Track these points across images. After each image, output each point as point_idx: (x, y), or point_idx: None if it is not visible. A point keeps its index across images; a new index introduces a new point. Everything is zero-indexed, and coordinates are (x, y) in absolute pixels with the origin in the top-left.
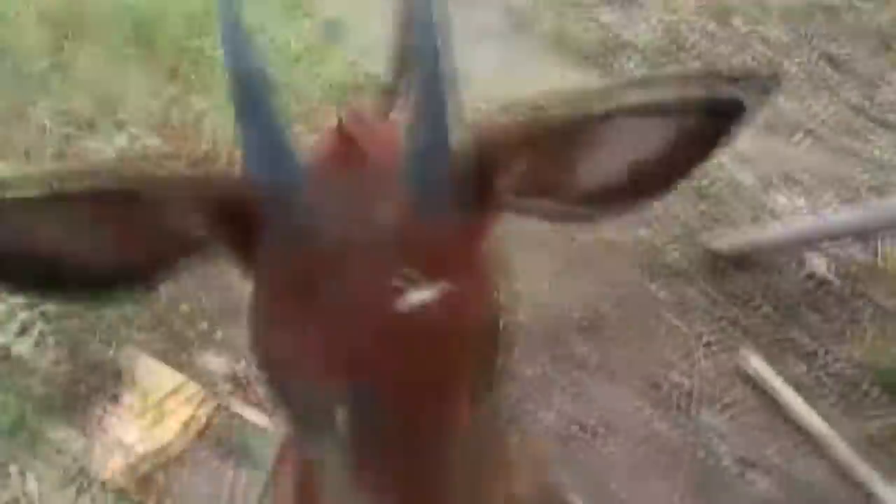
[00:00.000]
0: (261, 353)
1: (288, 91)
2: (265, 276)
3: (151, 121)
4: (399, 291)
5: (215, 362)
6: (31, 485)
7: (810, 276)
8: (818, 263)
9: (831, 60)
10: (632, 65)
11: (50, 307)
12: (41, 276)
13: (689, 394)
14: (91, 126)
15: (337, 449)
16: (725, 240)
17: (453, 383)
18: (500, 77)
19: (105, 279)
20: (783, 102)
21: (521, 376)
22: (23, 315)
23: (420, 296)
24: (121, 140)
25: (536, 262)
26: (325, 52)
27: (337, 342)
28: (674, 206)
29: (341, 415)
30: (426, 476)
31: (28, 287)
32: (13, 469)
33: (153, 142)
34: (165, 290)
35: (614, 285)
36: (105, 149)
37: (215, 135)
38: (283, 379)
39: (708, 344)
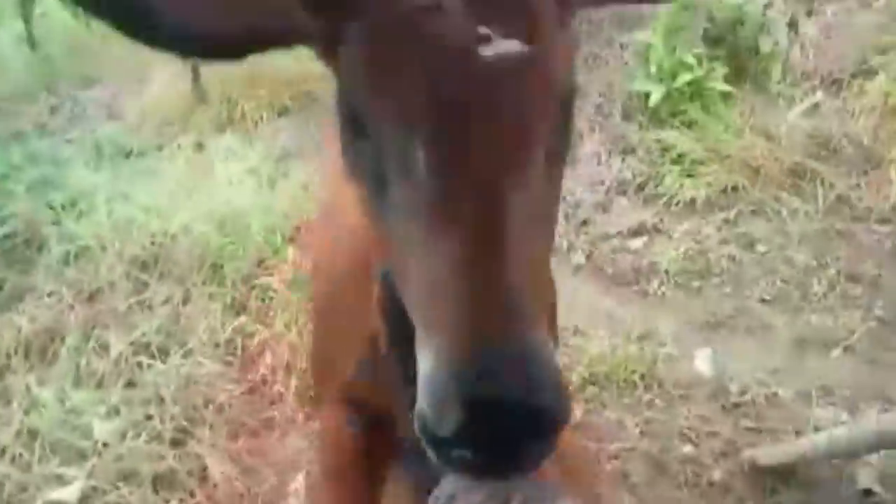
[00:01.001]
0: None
1: None
2: (365, 31)
3: (218, 350)
4: (488, 41)
5: None
6: None
7: (864, 492)
8: (868, 477)
9: (856, 279)
10: (663, 288)
11: None
12: (142, 15)
13: None
14: (163, 353)
15: (419, 189)
16: (770, 455)
17: (532, 135)
18: None
19: (203, 38)
20: (814, 319)
21: None
22: None
23: (507, 46)
24: (186, 367)
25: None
26: None
27: (430, 84)
28: (716, 422)
29: (428, 155)
30: (496, 219)
31: (125, 22)
32: None
33: (217, 368)
34: None
35: (659, 502)
36: (172, 374)
37: (273, 361)
38: (378, 125)
39: None
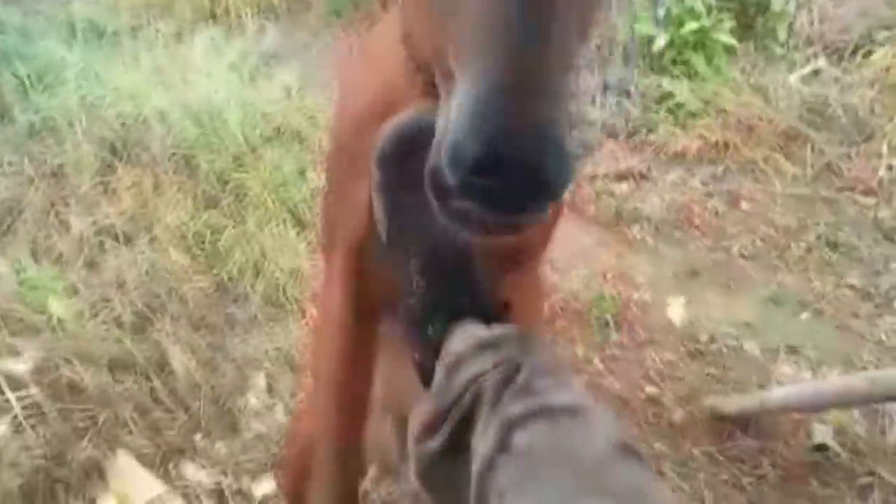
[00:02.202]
0: None
1: (316, 223)
2: None
3: (184, 242)
4: None
5: (202, 475)
6: None
7: (817, 447)
8: (825, 433)
9: (834, 246)
10: (643, 234)
11: (45, 403)
12: None
13: None
14: (127, 239)
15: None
16: (731, 403)
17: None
18: None
19: None
20: (789, 280)
21: None
22: (17, 410)
23: None
24: (150, 255)
25: None
26: None
27: None
28: (681, 368)
29: None
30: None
31: None
32: None
33: (182, 259)
34: (166, 398)
35: None
36: (136, 260)
37: (241, 260)
38: None
39: None
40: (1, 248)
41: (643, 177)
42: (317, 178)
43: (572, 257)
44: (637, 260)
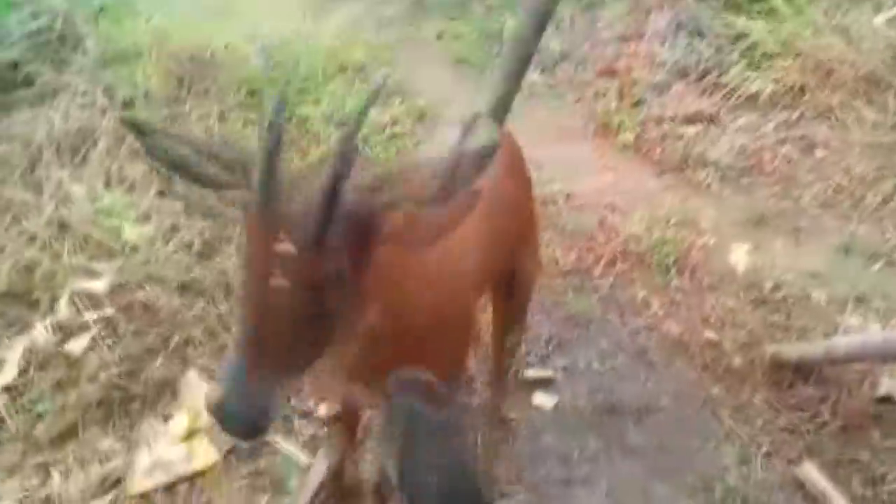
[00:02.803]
0: None
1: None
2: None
3: None
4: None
5: None
6: (70, 489)
7: (882, 399)
8: (891, 386)
9: None
10: (709, 179)
11: (120, 323)
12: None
13: (745, 500)
14: None
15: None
16: (794, 350)
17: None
18: (574, 177)
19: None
20: (862, 230)
21: (568, 456)
22: (95, 329)
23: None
24: None
25: (591, 343)
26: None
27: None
28: (743, 315)
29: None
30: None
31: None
32: (55, 472)
33: None
34: (233, 322)
35: (676, 381)
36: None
37: None
38: None
39: (768, 454)
40: (77, 175)
41: (712, 120)
42: (378, 117)
43: (635, 200)
44: (702, 205)
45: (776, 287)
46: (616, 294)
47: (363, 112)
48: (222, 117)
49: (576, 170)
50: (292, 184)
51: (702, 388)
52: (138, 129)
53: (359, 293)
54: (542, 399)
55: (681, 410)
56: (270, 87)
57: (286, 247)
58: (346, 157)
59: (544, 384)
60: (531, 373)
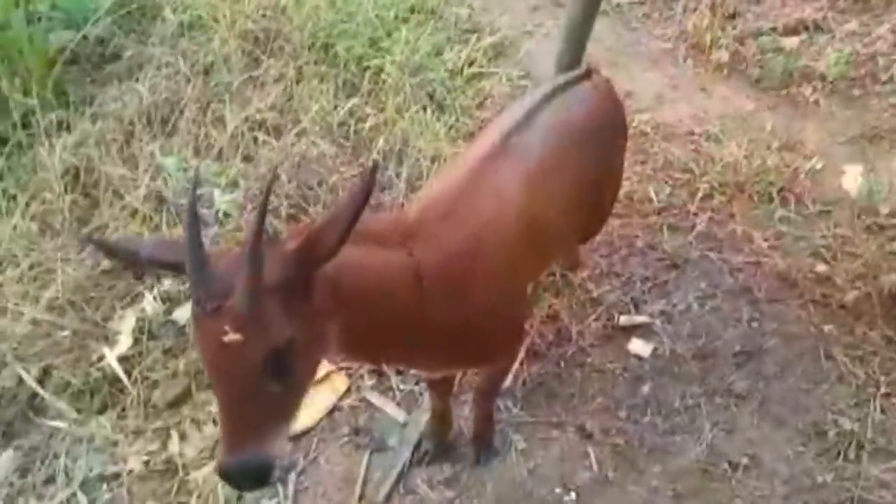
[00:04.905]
0: None
1: (453, 106)
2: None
3: (330, 131)
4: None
5: None
6: (188, 451)
7: None
8: None
9: None
10: (816, 95)
11: None
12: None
13: (860, 445)
14: (277, 132)
15: None
16: None
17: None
18: (665, 104)
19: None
20: None
21: (668, 404)
22: None
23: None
24: (301, 146)
25: (688, 284)
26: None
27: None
28: (857, 243)
29: None
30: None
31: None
32: (174, 434)
33: (329, 149)
34: None
35: (783, 320)
36: (287, 152)
37: (385, 145)
38: None
39: (886, 394)
40: (168, 146)
41: (817, 28)
42: (454, 58)
43: (733, 125)
44: (808, 125)
45: (894, 212)
46: (714, 230)
47: (265, 199)
48: (299, 75)
49: (666, 96)
50: (221, 270)
51: (812, 327)
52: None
53: (314, 331)
54: (639, 346)
55: (789, 352)
56: (342, 39)
57: (231, 337)
58: (258, 240)
59: (640, 330)
60: (626, 319)
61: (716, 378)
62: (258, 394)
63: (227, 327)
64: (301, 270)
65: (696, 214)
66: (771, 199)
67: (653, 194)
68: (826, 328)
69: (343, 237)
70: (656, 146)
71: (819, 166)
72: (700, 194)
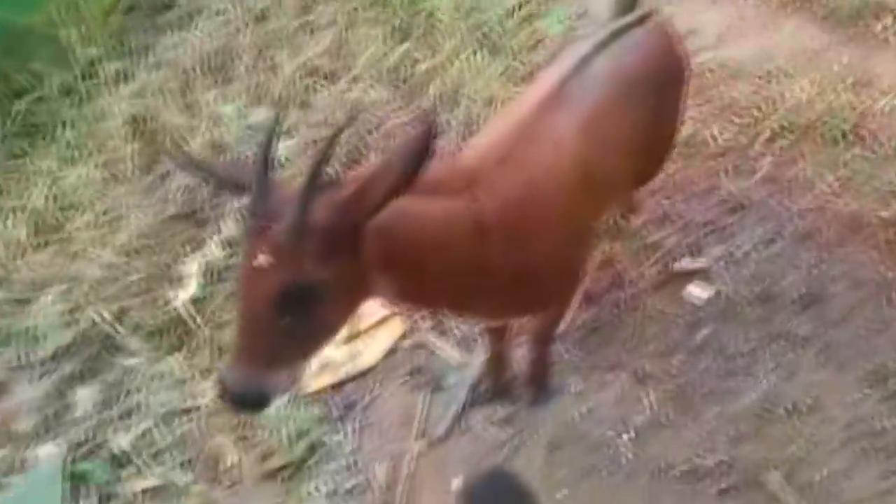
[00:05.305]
0: None
1: (508, 48)
2: None
3: (383, 76)
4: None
5: None
6: None
7: None
8: None
9: None
10: (891, 30)
11: None
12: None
13: None
14: (332, 78)
15: None
16: None
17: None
18: (727, 42)
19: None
20: None
21: (726, 349)
22: None
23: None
24: (355, 92)
25: (749, 228)
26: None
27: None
28: None
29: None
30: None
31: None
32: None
33: (383, 94)
34: None
35: (847, 265)
36: (342, 98)
37: (439, 89)
38: None
39: None
40: (225, 94)
41: None
42: None
43: (801, 62)
44: (882, 61)
45: None
46: (778, 172)
47: (327, 145)
48: (351, 20)
49: (730, 33)
50: (281, 197)
51: (876, 272)
52: (186, 164)
53: (351, 290)
54: (696, 291)
55: (853, 296)
56: None
57: (264, 258)
58: (314, 180)
59: (699, 275)
60: (683, 263)
61: (777, 322)
62: (271, 323)
63: (262, 249)
64: (347, 219)
65: (759, 157)
66: (840, 140)
67: (714, 136)
68: (891, 274)
69: (390, 193)
70: (718, 86)
71: (894, 104)
72: (764, 136)
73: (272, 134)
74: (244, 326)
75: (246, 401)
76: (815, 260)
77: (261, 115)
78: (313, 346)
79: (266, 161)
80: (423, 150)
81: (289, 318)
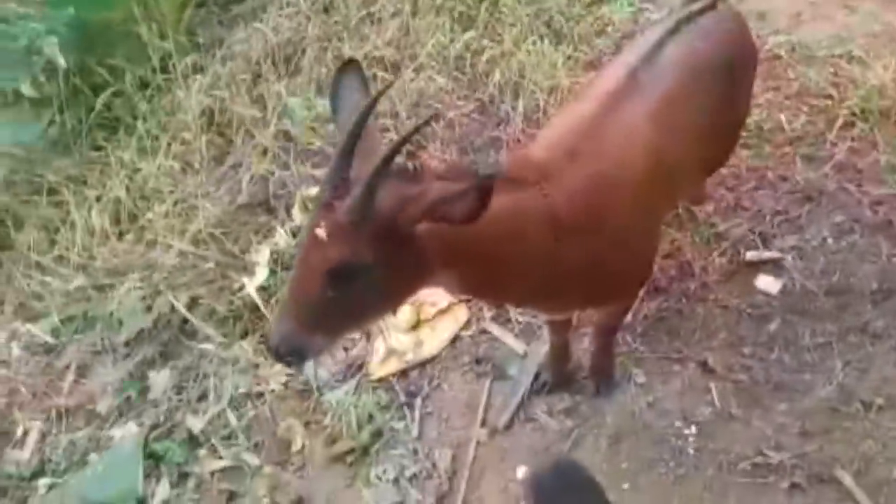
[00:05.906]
0: None
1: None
2: None
3: (447, 64)
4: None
5: None
6: (322, 374)
7: None
8: None
9: None
10: None
11: None
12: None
13: None
14: (395, 67)
15: None
16: None
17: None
18: (801, 24)
19: None
20: None
21: (797, 342)
22: None
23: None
24: (418, 82)
25: (823, 218)
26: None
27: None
28: None
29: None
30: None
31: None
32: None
33: (446, 83)
34: None
35: None
36: (405, 88)
37: (502, 78)
38: None
39: None
40: (292, 85)
41: None
42: None
43: (879, 45)
44: None
45: None
46: (854, 160)
47: (410, 134)
48: (415, 9)
49: (804, 15)
50: (354, 178)
51: None
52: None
53: (407, 272)
54: (767, 282)
55: None
56: None
57: (322, 231)
58: (384, 167)
59: (769, 266)
60: (754, 254)
61: (850, 316)
62: (317, 293)
63: (324, 222)
64: (408, 217)
65: (833, 144)
66: None
67: (786, 123)
68: None
69: (450, 220)
70: (791, 70)
71: None
72: (840, 122)
73: (367, 113)
74: (293, 288)
75: (281, 352)
76: (891, 252)
77: (326, 106)
78: (354, 323)
79: (354, 137)
80: (479, 208)
81: (334, 293)
